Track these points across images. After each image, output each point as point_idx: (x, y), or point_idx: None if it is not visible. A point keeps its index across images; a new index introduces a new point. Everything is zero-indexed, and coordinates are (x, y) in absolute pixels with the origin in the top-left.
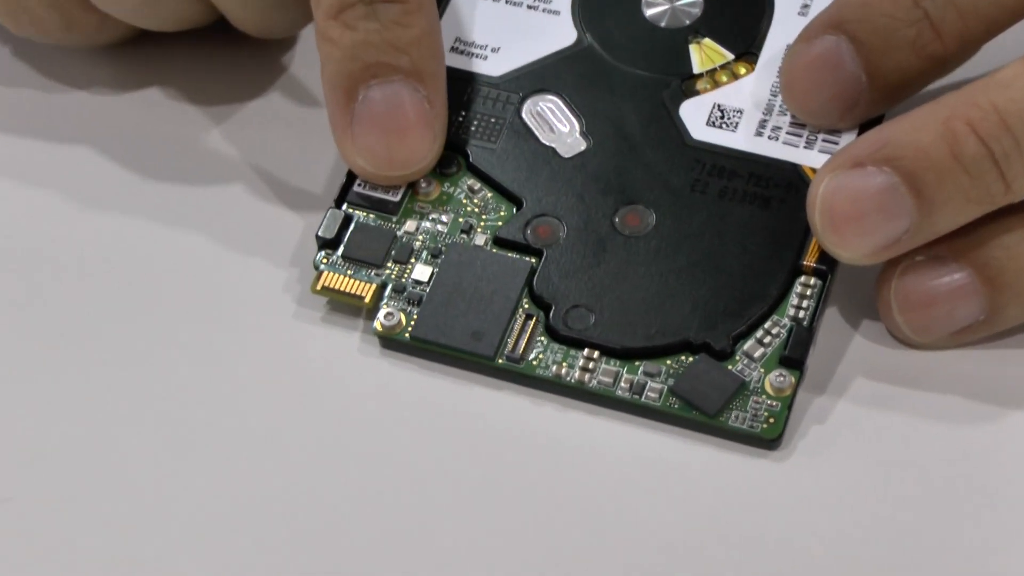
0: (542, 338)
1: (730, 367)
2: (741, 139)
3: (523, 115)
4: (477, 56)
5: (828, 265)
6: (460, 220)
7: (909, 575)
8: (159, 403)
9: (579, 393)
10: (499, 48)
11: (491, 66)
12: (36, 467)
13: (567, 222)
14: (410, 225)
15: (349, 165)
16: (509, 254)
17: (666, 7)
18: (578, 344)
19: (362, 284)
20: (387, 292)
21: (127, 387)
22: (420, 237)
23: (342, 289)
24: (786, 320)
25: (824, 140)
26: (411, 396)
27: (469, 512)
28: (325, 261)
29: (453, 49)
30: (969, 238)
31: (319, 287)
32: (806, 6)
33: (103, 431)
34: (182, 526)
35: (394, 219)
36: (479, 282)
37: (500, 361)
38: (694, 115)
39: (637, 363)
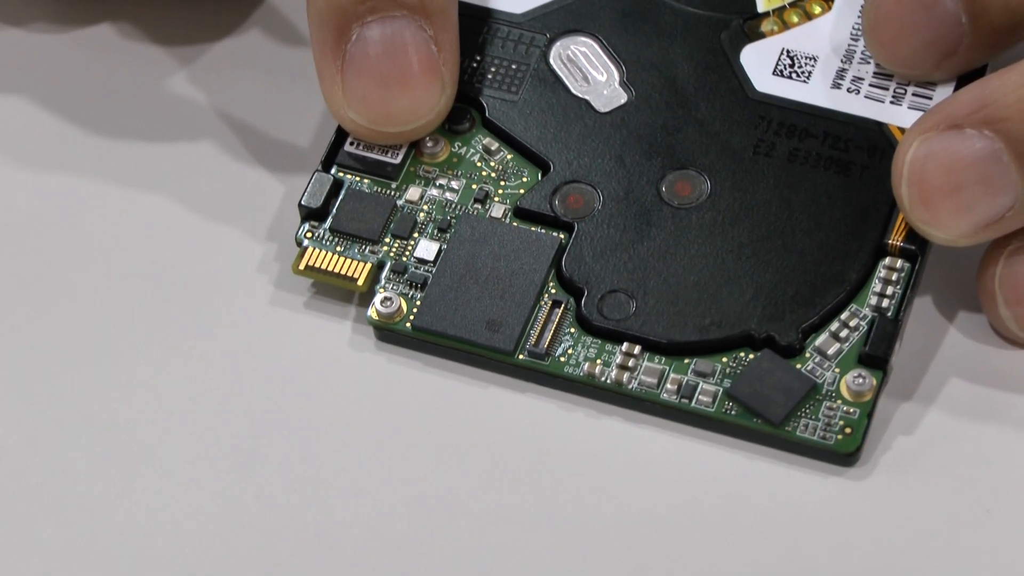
0: (572, 329)
1: (799, 366)
2: (815, 92)
3: (551, 61)
4: None
5: (918, 245)
6: (473, 187)
7: None
8: (106, 405)
9: (616, 396)
10: None
11: (513, 0)
12: None
13: (603, 190)
14: (413, 193)
15: (339, 120)
16: (533, 228)
17: None
18: (616, 337)
19: (354, 263)
20: (384, 273)
21: (64, 386)
22: (425, 207)
23: (330, 269)
24: (867, 310)
25: (915, 95)
26: (412, 399)
27: (483, 543)
28: (310, 235)
29: None
30: None
31: (302, 266)
32: None
33: (41, 434)
34: (138, 544)
35: (393, 185)
36: (496, 262)
37: (521, 357)
38: (758, 62)
39: (687, 360)
